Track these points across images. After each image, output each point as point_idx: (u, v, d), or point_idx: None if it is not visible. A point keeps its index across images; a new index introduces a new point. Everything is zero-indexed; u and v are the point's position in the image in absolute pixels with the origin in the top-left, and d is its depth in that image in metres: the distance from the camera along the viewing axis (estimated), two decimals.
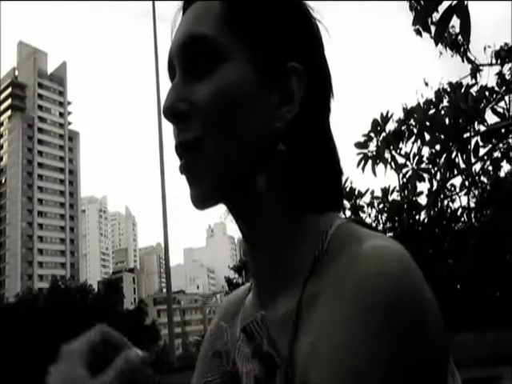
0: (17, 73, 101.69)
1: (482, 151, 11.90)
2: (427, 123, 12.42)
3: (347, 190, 15.82)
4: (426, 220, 13.42)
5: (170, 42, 0.59)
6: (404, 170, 14.07)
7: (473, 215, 13.18)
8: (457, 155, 12.38)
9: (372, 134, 14.45)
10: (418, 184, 13.77)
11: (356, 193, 16.00)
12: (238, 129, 0.53)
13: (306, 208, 0.55)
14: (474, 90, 11.64)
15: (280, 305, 0.53)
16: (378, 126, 14.24)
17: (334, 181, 0.58)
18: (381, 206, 15.31)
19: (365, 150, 14.80)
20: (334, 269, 0.48)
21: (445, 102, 12.46)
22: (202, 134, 0.52)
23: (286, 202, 0.55)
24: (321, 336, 0.44)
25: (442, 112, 12.41)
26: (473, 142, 11.88)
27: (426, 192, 13.91)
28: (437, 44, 6.54)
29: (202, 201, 0.54)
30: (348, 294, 0.43)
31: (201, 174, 0.53)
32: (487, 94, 11.63)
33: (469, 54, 11.70)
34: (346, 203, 15.99)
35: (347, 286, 0.44)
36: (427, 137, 12.52)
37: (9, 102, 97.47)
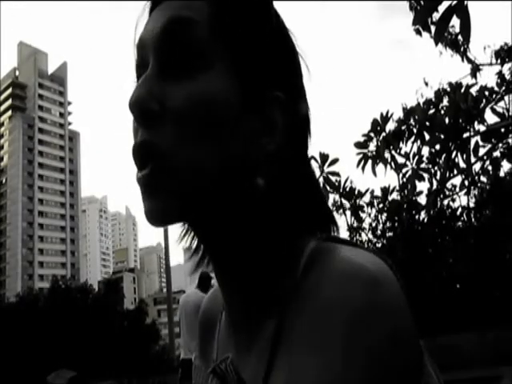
0: (17, 73, 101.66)
1: (481, 151, 11.94)
2: (427, 123, 12.44)
3: (347, 190, 15.87)
4: (425, 220, 13.42)
5: (134, 40, 0.53)
6: (404, 170, 14.12)
7: (472, 215, 13.17)
8: (457, 155, 12.39)
9: (372, 134, 14.50)
10: (417, 184, 13.84)
11: (356, 193, 16.04)
12: (215, 148, 0.46)
13: (284, 237, 0.50)
14: (473, 90, 11.68)
15: (254, 340, 0.50)
16: (378, 125, 14.27)
17: (318, 211, 0.54)
18: (381, 205, 15.33)
19: (365, 150, 14.85)
20: (302, 294, 0.43)
21: (445, 102, 12.50)
22: (173, 143, 0.46)
23: (263, 231, 0.50)
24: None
25: (442, 112, 12.43)
26: (473, 141, 11.90)
27: (425, 192, 13.95)
28: (437, 44, 6.55)
29: (160, 216, 0.47)
30: (308, 321, 0.40)
31: (163, 187, 0.46)
32: (487, 93, 11.66)
33: (469, 53, 11.72)
34: (346, 203, 16.04)
35: (308, 313, 0.41)
36: (427, 137, 12.55)
37: (9, 102, 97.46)
